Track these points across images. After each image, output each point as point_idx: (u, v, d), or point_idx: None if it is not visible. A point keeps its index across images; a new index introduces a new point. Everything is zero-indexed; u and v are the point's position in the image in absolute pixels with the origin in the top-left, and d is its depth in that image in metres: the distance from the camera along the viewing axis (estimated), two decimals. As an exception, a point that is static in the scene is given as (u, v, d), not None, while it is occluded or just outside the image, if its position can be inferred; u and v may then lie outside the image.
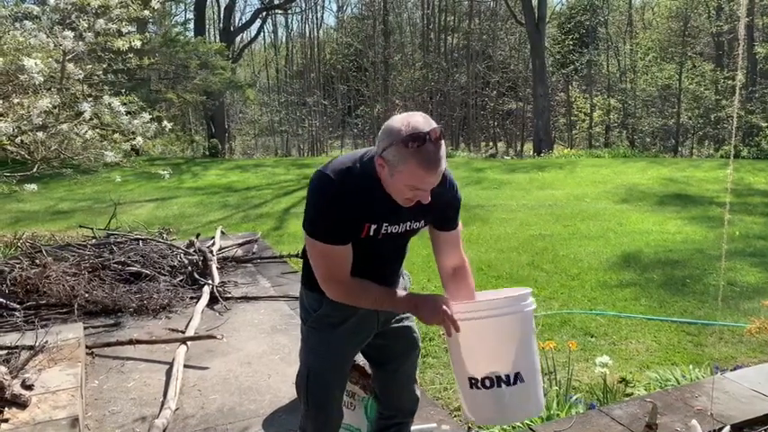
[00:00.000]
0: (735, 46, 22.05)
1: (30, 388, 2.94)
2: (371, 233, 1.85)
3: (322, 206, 1.81)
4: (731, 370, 2.99)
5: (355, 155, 1.85)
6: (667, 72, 22.88)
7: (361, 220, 1.83)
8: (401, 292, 1.92)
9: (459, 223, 2.05)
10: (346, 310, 1.98)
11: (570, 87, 26.29)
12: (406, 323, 2.19)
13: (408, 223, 1.93)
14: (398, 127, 1.67)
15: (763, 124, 17.41)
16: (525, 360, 1.85)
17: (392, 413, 2.25)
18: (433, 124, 1.67)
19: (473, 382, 1.87)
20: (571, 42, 24.66)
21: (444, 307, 1.83)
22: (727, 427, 1.89)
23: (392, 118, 1.74)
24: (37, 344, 3.36)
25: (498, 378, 1.84)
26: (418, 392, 2.30)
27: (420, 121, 1.67)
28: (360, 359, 2.49)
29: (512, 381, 1.83)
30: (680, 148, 21.78)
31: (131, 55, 6.51)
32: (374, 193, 1.80)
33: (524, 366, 1.84)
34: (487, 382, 1.85)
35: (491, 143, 27.42)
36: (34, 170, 5.99)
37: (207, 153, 20.26)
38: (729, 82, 20.40)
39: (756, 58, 18.93)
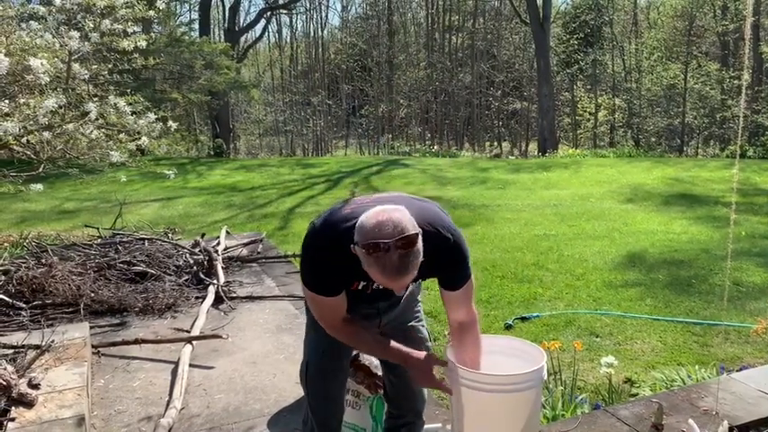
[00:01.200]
0: (740, 45, 21.98)
1: (36, 387, 2.96)
2: (360, 288, 1.90)
3: (311, 264, 1.86)
4: (737, 370, 2.98)
5: (352, 214, 1.78)
6: (672, 72, 22.81)
7: (351, 278, 1.86)
8: (394, 345, 1.92)
9: (471, 278, 1.97)
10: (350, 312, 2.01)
11: (575, 87, 26.24)
12: (414, 323, 2.20)
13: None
14: (368, 227, 1.64)
15: (769, 124, 17.36)
16: None
17: (402, 413, 2.26)
18: (408, 229, 1.61)
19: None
20: (576, 42, 24.60)
21: (431, 373, 1.88)
22: (725, 423, 1.88)
23: (374, 210, 1.68)
24: (43, 343, 3.38)
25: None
26: (426, 392, 2.30)
27: (390, 225, 1.61)
28: (365, 358, 2.49)
29: None
30: (685, 148, 21.72)
31: (137, 55, 6.51)
32: (356, 261, 1.76)
33: None
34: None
35: (495, 143, 27.38)
36: (40, 170, 6.00)
37: (212, 153, 20.31)
38: (735, 81, 20.32)
39: (762, 57, 18.86)
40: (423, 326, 2.24)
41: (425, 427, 2.95)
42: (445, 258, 1.86)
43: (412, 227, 1.62)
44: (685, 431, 1.88)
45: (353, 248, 1.68)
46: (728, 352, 3.87)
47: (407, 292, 2.15)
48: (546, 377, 1.88)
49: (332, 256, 1.78)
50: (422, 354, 1.93)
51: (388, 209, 1.66)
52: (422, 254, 1.65)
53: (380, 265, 1.61)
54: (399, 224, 1.61)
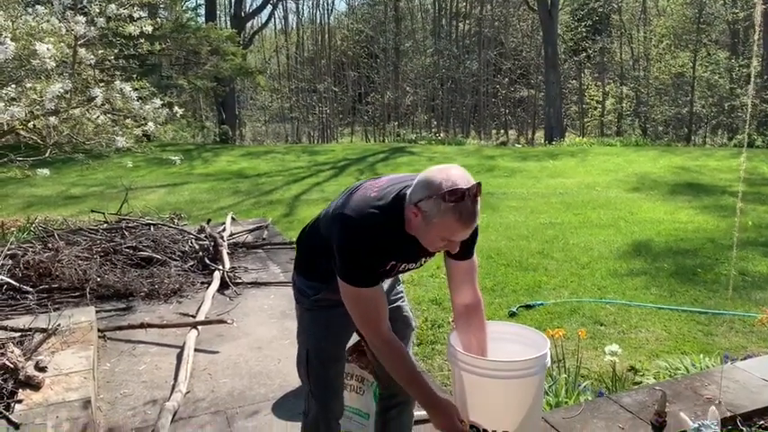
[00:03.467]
0: (750, 33, 21.74)
1: (43, 370, 2.99)
2: (388, 267, 1.91)
3: (357, 255, 1.82)
4: (741, 359, 2.98)
5: (381, 195, 1.84)
6: (681, 60, 22.61)
7: (386, 260, 1.87)
8: (424, 386, 1.88)
9: (475, 256, 2.02)
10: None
11: (582, 75, 26.07)
12: (398, 303, 2.22)
13: (423, 259, 1.99)
14: (438, 180, 1.69)
15: (778, 113, 17.22)
16: (518, 421, 1.83)
17: (392, 393, 2.27)
18: (472, 180, 1.70)
19: (461, 422, 1.89)
20: (584, 29, 24.39)
21: (456, 421, 1.84)
22: (712, 408, 1.89)
23: (430, 169, 1.75)
24: (50, 327, 3.40)
25: (485, 430, 1.85)
26: None
27: (459, 175, 1.69)
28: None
29: None
30: (693, 137, 21.57)
31: (143, 40, 6.50)
32: (399, 238, 1.82)
33: (515, 427, 1.83)
34: (474, 430, 1.86)
35: (502, 131, 27.28)
36: (47, 155, 6.03)
37: (217, 139, 20.31)
38: (744, 70, 20.13)
39: (772, 45, 18.66)
40: (406, 305, 2.27)
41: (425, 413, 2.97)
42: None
43: (472, 178, 1.71)
44: (688, 419, 1.89)
45: (414, 207, 1.71)
46: (733, 341, 3.86)
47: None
48: (549, 364, 1.88)
49: (377, 240, 1.79)
50: (446, 400, 1.91)
51: (445, 166, 1.74)
52: None
53: (457, 212, 1.65)
54: (465, 174, 1.71)
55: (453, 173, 1.69)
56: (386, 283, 2.15)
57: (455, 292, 2.04)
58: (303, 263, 2.11)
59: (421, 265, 2.02)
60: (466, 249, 1.97)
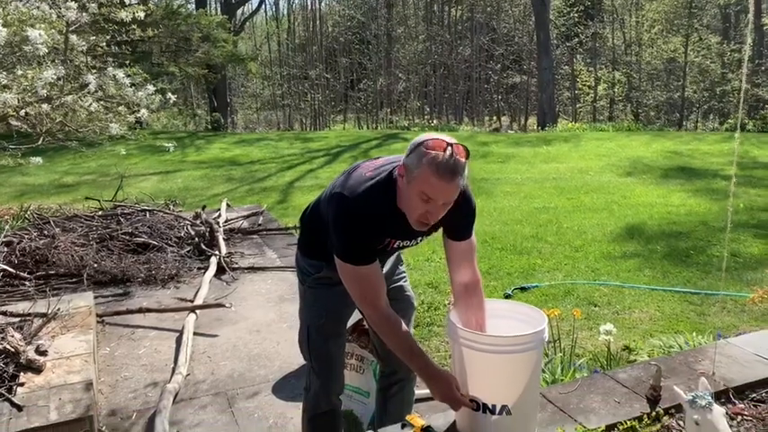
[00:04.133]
0: (742, 18, 21.79)
1: (44, 354, 3.01)
2: (384, 243, 1.94)
3: (350, 231, 1.85)
4: (734, 337, 3.03)
5: (374, 174, 1.88)
6: (673, 45, 22.64)
7: (383, 236, 1.91)
8: (423, 357, 1.91)
9: (473, 237, 2.04)
10: None
11: (575, 60, 26.05)
12: (400, 283, 2.26)
13: (420, 237, 2.01)
14: (425, 138, 1.74)
15: (769, 97, 17.31)
16: (517, 395, 1.86)
17: (393, 370, 2.30)
18: (461, 144, 1.74)
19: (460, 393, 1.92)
20: (576, 14, 24.34)
21: (455, 394, 1.87)
22: (702, 379, 1.93)
23: (419, 136, 1.80)
24: (49, 311, 3.42)
25: (484, 405, 1.87)
26: None
27: (444, 136, 1.73)
28: (367, 323, 2.53)
29: (497, 411, 1.86)
30: (684, 122, 21.65)
31: (135, 26, 6.46)
32: (393, 215, 1.86)
33: (514, 401, 1.86)
34: (473, 405, 1.89)
35: (495, 117, 27.27)
36: (39, 142, 6.00)
37: (209, 127, 20.20)
38: (736, 55, 20.19)
39: (764, 30, 18.72)
40: (408, 285, 2.30)
41: (426, 391, 3.01)
42: (463, 209, 1.93)
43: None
44: (682, 393, 1.92)
45: (401, 166, 1.76)
46: (725, 321, 3.92)
47: (394, 256, 2.22)
48: (547, 338, 1.91)
49: (372, 217, 1.82)
50: (445, 372, 1.93)
51: (435, 133, 1.78)
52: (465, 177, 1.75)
53: (435, 163, 1.67)
54: (451, 138, 1.74)
55: (442, 135, 1.74)
56: (388, 263, 2.18)
57: (454, 272, 2.07)
58: (305, 242, 2.14)
59: (417, 243, 2.05)
60: (463, 228, 2.01)
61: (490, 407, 1.86)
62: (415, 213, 1.78)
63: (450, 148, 1.68)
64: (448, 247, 2.05)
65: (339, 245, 1.87)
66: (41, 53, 5.09)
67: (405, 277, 2.29)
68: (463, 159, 1.71)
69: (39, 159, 6.09)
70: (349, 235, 1.85)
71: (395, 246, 1.98)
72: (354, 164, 2.01)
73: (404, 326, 1.93)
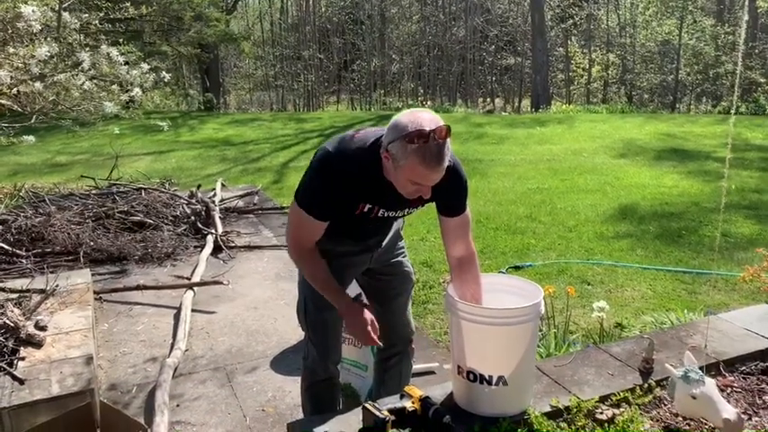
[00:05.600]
0: (736, 0, 21.75)
1: (43, 329, 3.03)
2: (365, 211, 1.94)
3: (319, 183, 1.88)
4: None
5: (365, 138, 1.89)
6: (667, 27, 22.59)
7: (357, 201, 1.90)
8: (340, 292, 2.00)
9: (468, 211, 2.05)
10: (342, 248, 2.09)
11: (569, 42, 25.97)
12: (399, 258, 2.28)
13: (408, 209, 2.02)
14: (405, 123, 1.71)
15: (762, 80, 17.33)
16: (513, 366, 1.89)
17: (392, 343, 2.34)
18: (440, 122, 1.71)
19: (459, 369, 1.95)
20: (571, -4, 24.24)
21: (365, 324, 1.94)
22: (687, 353, 1.98)
23: (400, 113, 1.78)
24: (48, 288, 3.43)
25: (481, 376, 1.91)
26: (413, 323, 2.39)
27: (427, 118, 1.71)
28: (366, 298, 2.56)
29: (494, 382, 1.90)
30: (678, 105, 21.68)
31: (128, 4, 6.40)
32: (375, 179, 1.85)
33: (510, 372, 1.89)
34: (471, 376, 1.92)
35: (488, 99, 27.20)
36: (32, 121, 5.97)
37: (202, 107, 20.07)
38: (730, 37, 20.18)
39: (758, 12, 18.71)
40: (407, 260, 2.33)
41: (424, 366, 3.06)
42: (454, 184, 1.94)
43: (442, 121, 1.73)
44: (673, 365, 1.97)
45: (385, 151, 1.76)
46: (716, 299, 3.99)
47: (393, 231, 2.23)
48: (543, 311, 1.95)
49: (345, 177, 1.84)
50: (363, 310, 1.99)
51: (415, 110, 1.77)
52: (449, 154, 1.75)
53: (421, 154, 1.67)
54: (434, 118, 1.72)
55: (421, 116, 1.72)
56: (387, 238, 2.20)
57: (449, 247, 2.09)
58: None
59: (405, 214, 2.06)
60: (455, 205, 2.01)
61: (487, 378, 1.90)
62: (405, 191, 1.81)
63: (432, 135, 1.67)
64: (442, 222, 2.06)
65: (302, 188, 1.92)
66: (35, 30, 5.05)
67: (404, 253, 2.31)
68: (446, 141, 1.71)
69: (31, 138, 6.07)
70: (317, 184, 1.88)
71: (379, 215, 1.97)
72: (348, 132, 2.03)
73: (322, 262, 1.99)
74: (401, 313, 2.32)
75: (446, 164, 1.73)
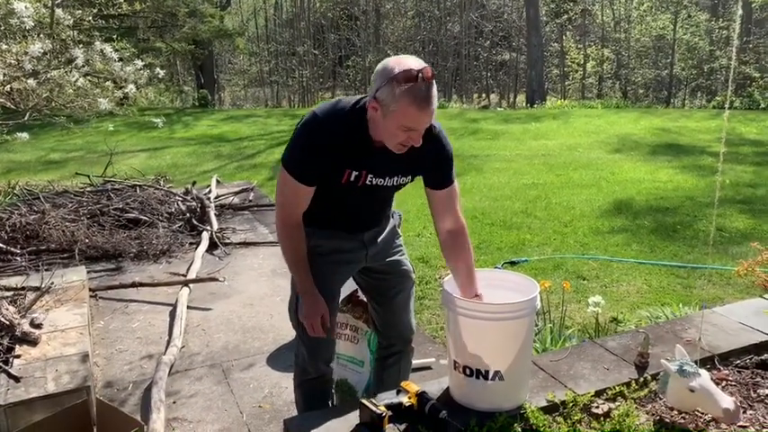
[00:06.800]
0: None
1: (39, 327, 3.02)
2: (352, 179, 1.90)
3: (303, 142, 1.87)
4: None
5: (350, 100, 1.89)
6: (662, 22, 22.62)
7: (342, 165, 1.87)
8: (308, 274, 1.99)
9: (456, 183, 2.05)
10: (335, 244, 2.07)
11: (564, 38, 25.98)
12: (397, 257, 2.24)
13: (396, 178, 1.98)
14: (391, 66, 1.71)
15: (756, 75, 17.37)
16: (509, 361, 1.90)
17: (391, 342, 2.33)
18: (425, 64, 1.71)
19: (456, 365, 1.95)
20: (566, -9, 24.24)
21: (318, 319, 1.98)
22: (678, 346, 1.99)
23: (385, 60, 1.77)
24: (43, 285, 3.42)
25: (478, 371, 1.91)
26: (414, 322, 2.36)
27: (412, 61, 1.72)
28: (362, 294, 2.56)
29: (490, 377, 1.90)
30: (672, 100, 21.72)
31: (121, 0, 6.37)
32: (361, 140, 1.85)
33: (506, 367, 1.90)
34: (467, 371, 1.92)
35: (483, 94, 27.20)
36: (26, 118, 5.94)
37: (196, 104, 20.01)
38: (724, 32, 20.21)
39: (752, 7, 18.74)
40: (406, 258, 2.29)
41: (420, 361, 3.07)
42: (439, 149, 1.97)
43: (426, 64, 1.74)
44: (668, 360, 1.98)
45: (373, 100, 1.75)
46: (711, 293, 4.01)
47: (389, 229, 2.21)
48: (539, 306, 1.95)
49: (331, 136, 1.83)
50: (321, 298, 2.01)
51: (399, 56, 1.78)
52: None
53: (411, 95, 1.68)
54: (418, 60, 1.74)
55: (406, 59, 1.73)
56: (382, 235, 2.18)
57: (438, 221, 2.08)
58: None
59: (396, 185, 2.02)
60: (443, 177, 2.02)
61: (483, 373, 1.91)
62: (395, 141, 1.80)
63: (420, 75, 1.68)
64: (430, 196, 2.06)
65: (288, 152, 1.90)
66: (28, 26, 5.02)
67: (402, 251, 2.28)
68: (432, 81, 1.72)
69: (25, 135, 6.03)
70: (302, 143, 1.87)
71: (367, 182, 1.93)
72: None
73: (302, 242, 1.99)
74: (400, 312, 2.29)
75: (435, 106, 1.74)
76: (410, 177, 2.01)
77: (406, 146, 1.81)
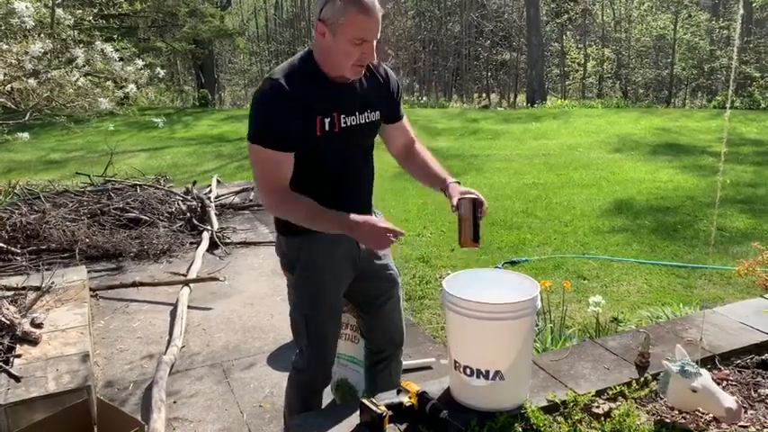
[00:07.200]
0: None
1: (39, 326, 3.02)
2: (327, 127, 1.84)
3: (267, 107, 1.80)
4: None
5: (294, 56, 1.90)
6: (662, 22, 22.61)
7: (311, 115, 1.81)
8: (332, 215, 1.82)
9: (405, 119, 2.12)
10: (326, 249, 1.97)
11: (564, 37, 25.98)
12: (383, 261, 2.18)
13: (366, 113, 1.93)
14: None
15: (757, 74, 17.36)
16: (510, 361, 1.89)
17: (381, 348, 2.29)
18: None
19: (456, 364, 1.95)
20: (566, -10, 24.24)
21: (383, 225, 1.79)
22: (678, 346, 1.99)
23: None
24: (43, 285, 3.42)
25: (478, 370, 1.91)
26: (403, 324, 2.31)
27: None
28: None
29: (491, 377, 1.90)
30: (673, 100, 21.71)
31: (122, 0, 6.38)
32: (320, 81, 1.83)
33: (507, 367, 1.89)
34: (468, 371, 1.92)
35: (484, 94, 27.20)
36: (26, 118, 5.94)
37: (197, 103, 20.02)
38: (724, 32, 20.21)
39: (753, 6, 18.73)
40: (392, 262, 2.23)
41: (421, 361, 3.07)
42: (385, 72, 2.03)
43: None
44: (668, 359, 1.98)
45: (319, 23, 1.76)
46: (711, 293, 4.01)
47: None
48: (539, 306, 1.95)
49: (291, 90, 1.77)
50: (363, 217, 1.84)
51: None
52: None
53: (356, 3, 1.71)
54: None
55: None
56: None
57: (395, 148, 2.13)
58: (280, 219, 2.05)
59: (369, 122, 1.95)
60: (397, 106, 2.08)
61: (484, 372, 1.90)
62: (349, 61, 1.78)
63: None
64: (387, 133, 2.08)
65: (253, 125, 1.81)
66: (28, 26, 5.02)
67: (387, 253, 2.20)
68: None
69: (26, 135, 6.04)
70: (267, 111, 1.80)
71: (342, 124, 1.87)
72: None
73: (302, 197, 1.84)
74: (390, 319, 2.24)
75: (380, 13, 1.77)
76: (377, 113, 1.99)
77: (362, 65, 1.81)
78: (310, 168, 1.87)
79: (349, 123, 1.88)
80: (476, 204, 1.93)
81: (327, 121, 1.83)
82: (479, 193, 1.96)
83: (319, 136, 1.83)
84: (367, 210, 2.04)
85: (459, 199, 1.92)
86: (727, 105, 13.80)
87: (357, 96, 1.90)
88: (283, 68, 1.84)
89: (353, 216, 1.81)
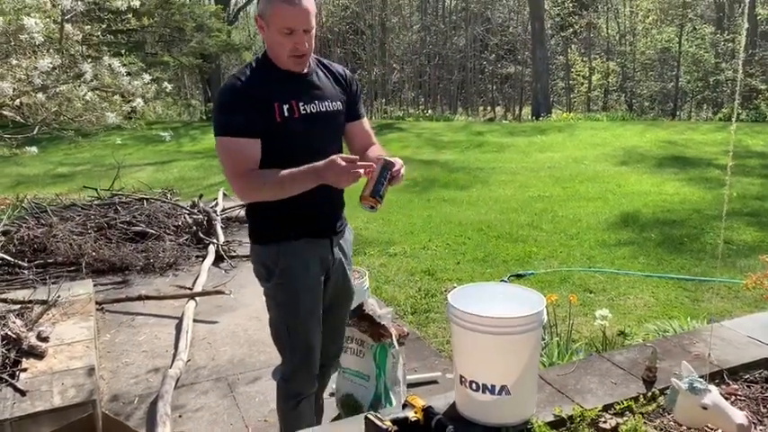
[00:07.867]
0: (735, 8, 21.81)
1: (45, 340, 3.03)
2: (286, 113, 1.90)
3: (226, 100, 1.91)
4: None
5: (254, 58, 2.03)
6: (667, 35, 22.65)
7: (269, 101, 1.89)
8: (296, 169, 1.85)
9: (366, 120, 2.19)
10: (302, 253, 2.01)
11: (569, 51, 26.05)
12: (349, 273, 2.23)
13: (327, 102, 2.01)
14: None
15: (763, 87, 17.35)
16: (516, 375, 1.88)
17: (320, 363, 2.26)
18: None
19: (462, 379, 1.95)
20: (571, 4, 24.31)
21: (341, 162, 1.80)
22: (684, 363, 1.97)
23: None
24: (49, 299, 3.43)
25: (484, 385, 1.90)
26: (342, 340, 2.39)
27: None
28: (368, 308, 2.56)
29: (497, 392, 1.89)
30: (678, 112, 21.70)
31: (130, 15, 6.44)
32: (275, 74, 1.93)
33: (513, 381, 1.89)
34: (473, 386, 1.91)
35: (489, 107, 27.26)
36: (35, 132, 5.99)
37: (203, 117, 20.13)
38: (729, 45, 20.22)
39: (757, 19, 18.75)
40: (352, 279, 2.28)
41: (426, 375, 3.06)
42: (341, 70, 2.14)
43: None
44: (676, 374, 1.97)
45: (258, 19, 1.90)
46: (719, 306, 3.98)
47: (349, 228, 2.22)
48: (545, 320, 1.94)
49: (247, 81, 1.89)
50: (323, 161, 1.84)
51: None
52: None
53: None
54: None
55: None
56: (345, 229, 2.20)
57: (351, 147, 2.18)
58: (254, 226, 2.09)
59: (332, 111, 2.02)
60: (357, 105, 2.17)
61: (490, 387, 1.89)
62: (285, 52, 1.88)
63: None
64: (350, 131, 2.14)
65: (217, 119, 1.90)
66: (37, 42, 5.08)
67: (350, 265, 2.26)
68: None
69: (34, 149, 6.08)
70: (227, 104, 1.90)
71: (302, 111, 1.92)
72: None
73: (265, 170, 1.88)
74: (333, 331, 2.26)
75: (309, 5, 1.85)
76: (339, 103, 2.06)
77: (299, 56, 1.89)
78: (280, 158, 1.89)
79: (309, 110, 1.96)
80: (388, 166, 1.93)
81: (286, 107, 1.92)
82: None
83: (279, 122, 1.90)
84: (338, 200, 2.15)
85: (375, 158, 1.98)
86: (733, 118, 13.79)
87: (314, 87, 2.00)
88: (240, 68, 1.97)
89: (316, 163, 1.84)
